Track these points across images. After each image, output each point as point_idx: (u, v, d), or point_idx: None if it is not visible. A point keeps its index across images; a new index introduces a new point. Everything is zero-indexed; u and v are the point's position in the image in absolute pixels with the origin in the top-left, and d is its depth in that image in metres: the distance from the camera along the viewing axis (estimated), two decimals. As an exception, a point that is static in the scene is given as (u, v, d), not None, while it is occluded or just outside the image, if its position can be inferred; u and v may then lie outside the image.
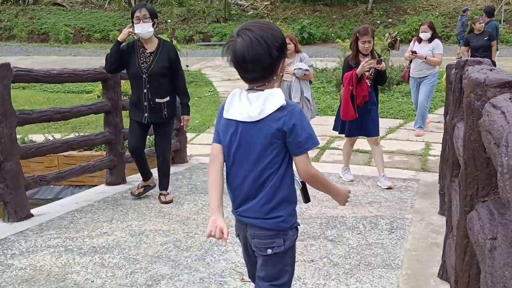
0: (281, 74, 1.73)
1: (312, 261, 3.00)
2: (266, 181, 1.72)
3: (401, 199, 4.34)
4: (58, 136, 6.58)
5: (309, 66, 5.61)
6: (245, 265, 1.99)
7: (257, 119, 1.65)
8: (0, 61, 3.65)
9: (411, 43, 7.19)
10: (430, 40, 6.79)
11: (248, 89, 1.71)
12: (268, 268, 1.79)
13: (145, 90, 3.98)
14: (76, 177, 4.61)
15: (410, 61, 7.02)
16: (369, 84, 4.59)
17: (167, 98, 4.06)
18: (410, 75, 7.04)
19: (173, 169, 5.54)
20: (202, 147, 6.69)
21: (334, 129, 4.98)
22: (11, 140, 3.58)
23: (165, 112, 4.06)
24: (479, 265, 1.48)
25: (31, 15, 24.08)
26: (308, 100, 5.62)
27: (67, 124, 7.55)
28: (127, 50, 4.03)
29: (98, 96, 9.09)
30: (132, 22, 3.97)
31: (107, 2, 24.84)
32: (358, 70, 4.46)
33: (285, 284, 1.81)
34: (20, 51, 19.73)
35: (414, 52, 6.76)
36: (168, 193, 4.25)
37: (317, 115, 8.52)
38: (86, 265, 2.95)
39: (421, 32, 6.86)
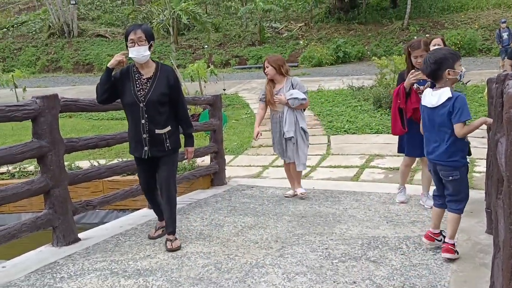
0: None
1: (354, 282, 2.96)
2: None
3: (446, 218, 4.20)
4: (102, 161, 6.81)
5: (304, 92, 4.94)
6: None
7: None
8: (48, 92, 3.85)
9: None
10: None
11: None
12: (451, 188, 3.25)
13: (143, 121, 3.55)
14: (120, 201, 4.73)
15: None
16: None
17: (168, 128, 3.63)
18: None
19: (212, 191, 5.63)
20: (240, 169, 6.75)
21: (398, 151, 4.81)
22: (59, 167, 3.75)
23: (167, 144, 3.63)
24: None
25: (76, 47, 25.27)
26: (305, 132, 5.00)
27: (111, 150, 7.81)
28: (121, 77, 3.61)
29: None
30: (126, 46, 3.55)
31: (146, 31, 25.71)
32: (406, 83, 4.34)
33: (460, 199, 3.35)
34: (67, 81, 20.67)
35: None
36: (176, 238, 3.72)
37: (354, 133, 8.51)
38: (130, 287, 3.02)
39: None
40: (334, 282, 2.97)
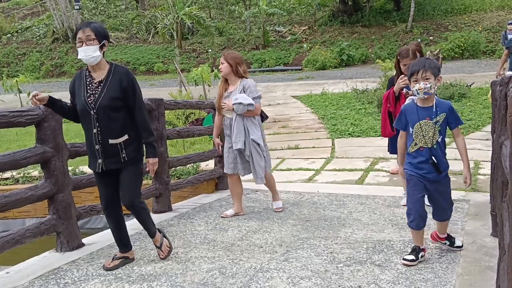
0: None
1: (359, 286, 2.94)
2: None
3: (451, 221, 4.16)
4: (106, 166, 6.82)
5: (254, 98, 4.32)
6: None
7: None
8: (52, 97, 3.86)
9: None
10: None
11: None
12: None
13: (94, 130, 3.19)
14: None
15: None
16: None
17: (125, 137, 3.22)
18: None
19: (216, 195, 5.63)
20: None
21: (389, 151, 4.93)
22: (63, 173, 3.75)
23: (123, 155, 3.23)
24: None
25: (80, 52, 25.38)
26: (258, 144, 4.38)
27: (115, 155, 7.81)
28: (75, 83, 3.30)
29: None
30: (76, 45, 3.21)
31: (150, 36, 25.83)
32: (395, 88, 4.53)
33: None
34: (71, 86, 20.74)
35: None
36: (161, 242, 3.52)
37: (358, 136, 8.50)
38: (134, 292, 3.01)
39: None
40: (339, 286, 2.95)
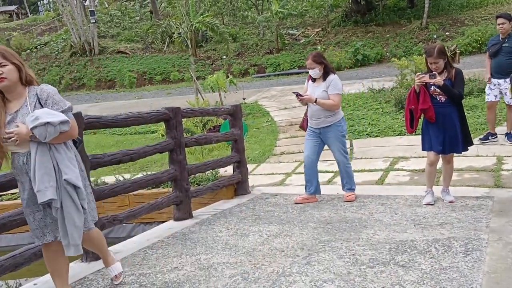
0: None
1: (383, 288, 2.91)
2: None
3: (475, 218, 4.13)
4: (127, 176, 6.91)
5: (64, 110, 2.73)
6: None
7: None
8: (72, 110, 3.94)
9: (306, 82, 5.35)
10: (324, 77, 5.01)
11: None
12: None
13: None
14: (146, 215, 4.79)
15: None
16: (442, 100, 4.53)
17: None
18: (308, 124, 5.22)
19: (236, 201, 5.65)
20: (263, 177, 6.75)
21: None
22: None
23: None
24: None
25: (97, 64, 25.80)
26: (76, 189, 2.73)
27: (135, 164, 7.92)
28: None
29: (162, 135, 9.48)
30: None
31: (165, 45, 26.11)
32: (415, 86, 4.61)
33: None
34: (90, 98, 21.10)
35: (298, 94, 5.01)
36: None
37: (376, 136, 8.43)
38: (159, 300, 3.04)
39: (308, 68, 5.06)
40: (362, 288, 2.93)
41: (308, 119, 5.18)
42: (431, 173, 4.74)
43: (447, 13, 22.75)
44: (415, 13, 23.10)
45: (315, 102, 4.93)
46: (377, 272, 3.15)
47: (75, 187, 2.74)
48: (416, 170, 6.10)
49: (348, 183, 5.19)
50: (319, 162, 5.29)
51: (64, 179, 2.70)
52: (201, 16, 19.62)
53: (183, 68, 23.36)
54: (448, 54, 14.62)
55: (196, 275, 3.39)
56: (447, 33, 20.86)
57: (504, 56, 6.55)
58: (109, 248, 3.33)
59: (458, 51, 15.24)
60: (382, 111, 9.97)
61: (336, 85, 4.98)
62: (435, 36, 20.29)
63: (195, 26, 19.66)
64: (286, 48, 23.52)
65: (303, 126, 5.33)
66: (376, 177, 6.06)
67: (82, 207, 2.78)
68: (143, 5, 32.86)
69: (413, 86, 4.65)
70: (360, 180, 6.01)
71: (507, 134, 6.82)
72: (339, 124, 5.06)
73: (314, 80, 5.10)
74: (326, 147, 5.23)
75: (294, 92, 5.15)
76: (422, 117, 4.66)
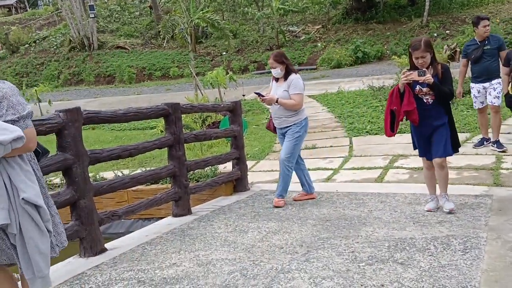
0: None
1: (382, 285, 2.91)
2: None
3: (474, 216, 4.13)
4: (126, 171, 6.90)
5: (18, 120, 2.29)
6: None
7: None
8: (70, 105, 3.93)
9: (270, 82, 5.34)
10: (285, 77, 4.97)
11: None
12: None
13: None
14: (144, 210, 4.79)
15: None
16: (429, 102, 4.12)
17: None
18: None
19: (235, 197, 5.64)
20: (263, 174, 6.74)
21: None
22: (84, 179, 3.81)
23: None
24: None
25: (96, 59, 25.73)
26: (36, 208, 2.31)
27: (134, 160, 7.90)
28: None
29: (161, 131, 9.46)
30: None
31: (165, 41, 26.05)
32: (399, 84, 4.12)
33: None
34: (89, 94, 21.05)
35: (260, 95, 5.04)
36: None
37: (376, 134, 8.42)
38: (157, 296, 3.04)
39: (270, 67, 5.09)
40: (361, 285, 2.93)
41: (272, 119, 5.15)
42: (430, 177, 4.46)
43: (447, 11, 22.72)
44: (416, 11, 23.08)
45: (277, 102, 4.89)
46: (376, 269, 3.15)
47: (36, 207, 2.30)
48: (416, 168, 6.09)
49: (279, 190, 5.03)
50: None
51: (22, 198, 2.25)
52: (201, 12, 19.55)
53: (183, 64, 23.32)
54: (449, 52, 14.59)
55: (194, 271, 3.38)
56: (447, 31, 20.83)
57: (488, 59, 6.25)
58: (107, 244, 3.29)
59: (458, 50, 15.22)
60: (382, 109, 9.94)
61: (297, 85, 4.90)
62: (435, 34, 20.25)
63: (195, 22, 19.59)
64: (286, 45, 23.46)
65: (270, 126, 5.29)
66: (376, 175, 6.05)
67: (47, 229, 2.34)
68: (143, 0, 32.74)
69: (396, 85, 4.19)
70: (359, 178, 6.01)
71: (496, 142, 6.31)
72: (300, 124, 4.94)
73: (277, 80, 5.07)
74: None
75: (255, 93, 5.15)
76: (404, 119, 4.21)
